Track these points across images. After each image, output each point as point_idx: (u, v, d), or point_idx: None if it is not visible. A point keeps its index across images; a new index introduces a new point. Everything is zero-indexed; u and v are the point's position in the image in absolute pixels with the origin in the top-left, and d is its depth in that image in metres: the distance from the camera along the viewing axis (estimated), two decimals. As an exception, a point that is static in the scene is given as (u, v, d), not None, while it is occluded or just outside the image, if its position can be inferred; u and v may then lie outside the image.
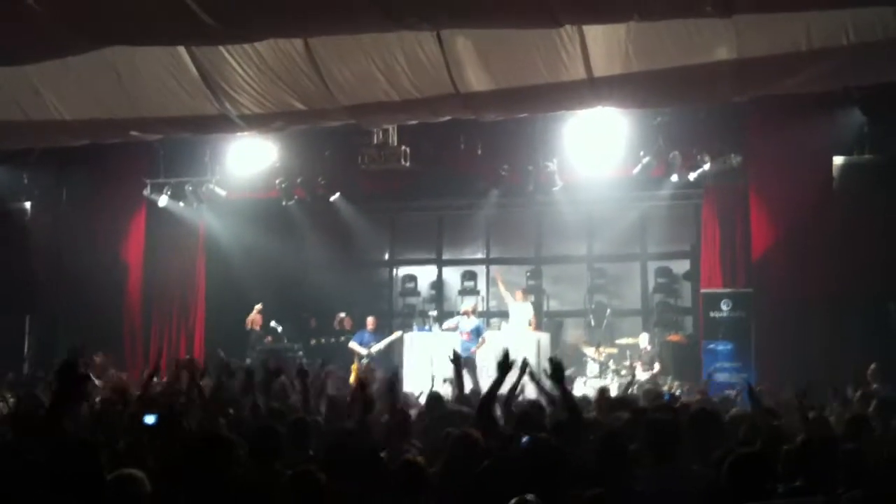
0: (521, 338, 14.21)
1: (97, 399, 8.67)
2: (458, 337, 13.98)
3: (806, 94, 10.18)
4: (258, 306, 15.51)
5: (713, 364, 13.52)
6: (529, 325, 14.92)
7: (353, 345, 14.95)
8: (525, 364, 6.13)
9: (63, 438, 4.54)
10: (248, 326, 15.48)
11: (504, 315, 15.84)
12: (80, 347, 11.90)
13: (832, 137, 13.08)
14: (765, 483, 4.30)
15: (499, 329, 15.12)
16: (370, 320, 15.22)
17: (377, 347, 14.83)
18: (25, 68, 9.29)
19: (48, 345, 15.78)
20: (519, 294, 15.40)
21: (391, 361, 14.51)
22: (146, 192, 15.70)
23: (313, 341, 15.93)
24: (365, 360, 14.42)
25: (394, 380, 7.67)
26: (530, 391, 8.54)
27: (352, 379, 13.25)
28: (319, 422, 6.47)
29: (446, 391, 9.24)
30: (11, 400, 8.96)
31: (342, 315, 15.83)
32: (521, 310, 15.10)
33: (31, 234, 16.20)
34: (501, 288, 15.55)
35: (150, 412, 5.80)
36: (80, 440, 4.58)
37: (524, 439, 5.17)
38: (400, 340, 15.13)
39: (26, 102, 10.32)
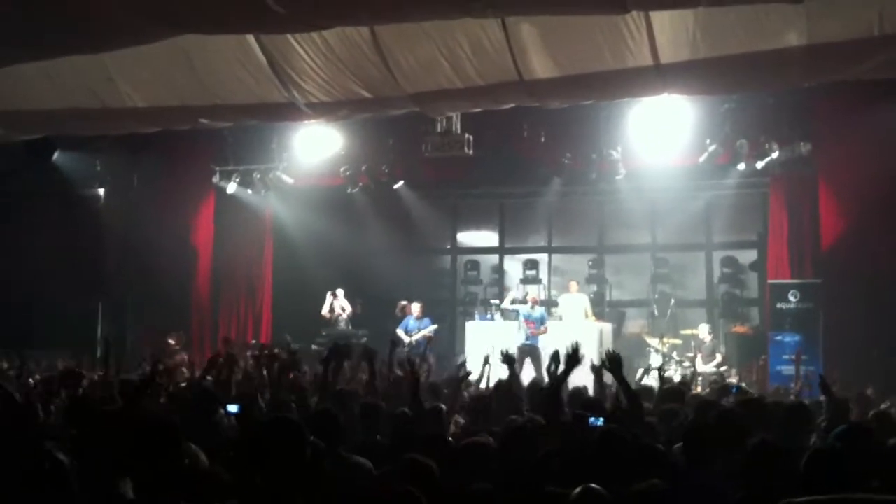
0: (583, 328, 14.17)
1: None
2: (522, 326, 14.00)
3: (877, 80, 9.96)
4: (340, 291, 15.59)
5: (780, 356, 13.31)
6: (587, 315, 14.85)
7: (399, 332, 15.00)
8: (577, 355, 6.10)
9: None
10: (330, 313, 15.56)
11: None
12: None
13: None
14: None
15: (560, 320, 15.07)
16: (416, 307, 15.11)
17: (417, 336, 14.85)
18: (100, 56, 9.51)
19: (119, 329, 16.16)
20: (573, 286, 15.32)
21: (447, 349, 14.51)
22: (215, 178, 16.00)
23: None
24: (405, 349, 14.43)
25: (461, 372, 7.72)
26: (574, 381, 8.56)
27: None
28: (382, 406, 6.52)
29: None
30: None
31: (403, 303, 15.90)
32: (575, 301, 15.03)
33: (104, 219, 16.66)
34: (510, 308, 15.04)
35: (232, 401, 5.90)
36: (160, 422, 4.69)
37: (592, 419, 5.21)
38: (440, 333, 15.17)
39: (101, 90, 10.57)
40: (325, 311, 15.44)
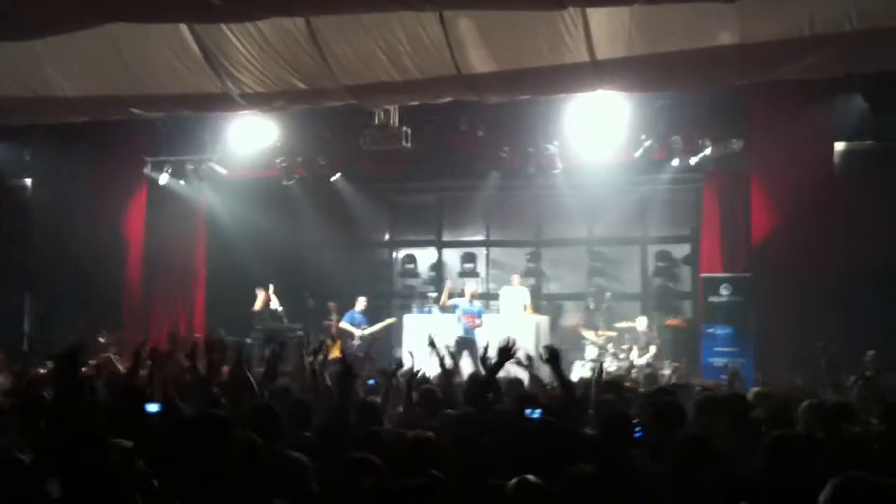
0: (519, 321, 14.27)
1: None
2: (461, 320, 14.04)
3: (808, 79, 10.18)
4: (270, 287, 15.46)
5: (712, 348, 13.55)
6: (525, 309, 14.95)
7: (343, 324, 14.96)
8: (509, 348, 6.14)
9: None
10: (259, 307, 15.40)
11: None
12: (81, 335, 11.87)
13: (834, 123, 13.10)
14: None
15: (497, 312, 15.14)
16: (361, 300, 15.19)
17: (370, 330, 14.84)
18: (32, 44, 9.29)
19: (48, 322, 15.80)
20: (515, 278, 15.41)
21: (385, 344, 14.53)
22: (147, 170, 15.69)
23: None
24: (357, 342, 14.43)
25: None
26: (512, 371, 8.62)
27: (333, 355, 13.26)
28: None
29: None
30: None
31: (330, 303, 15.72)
32: (516, 294, 15.12)
33: (32, 210, 16.26)
34: (448, 302, 15.00)
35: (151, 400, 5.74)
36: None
37: (529, 412, 5.24)
38: (391, 326, 15.25)
39: (31, 78, 10.34)
40: (256, 306, 15.25)
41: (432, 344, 8.04)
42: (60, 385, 4.81)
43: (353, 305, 15.29)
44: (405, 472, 4.34)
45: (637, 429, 5.28)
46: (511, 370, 8.40)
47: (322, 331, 14.43)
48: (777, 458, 4.20)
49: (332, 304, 15.18)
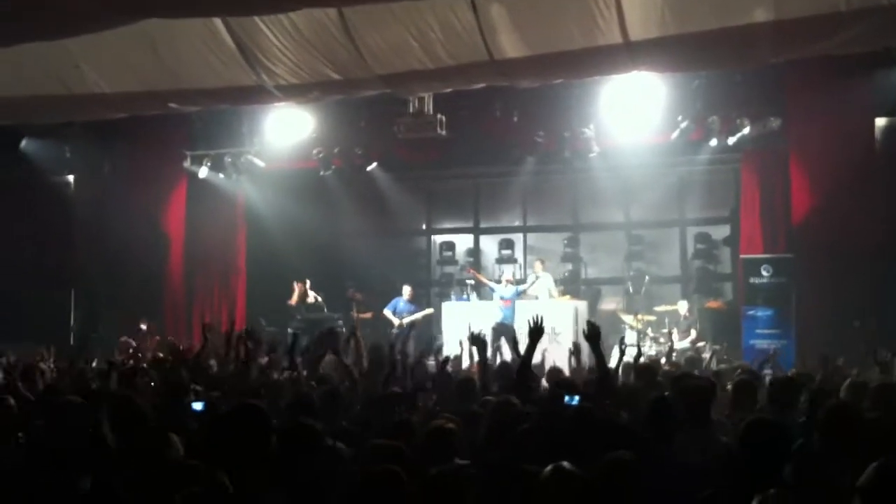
0: (558, 306, 14.25)
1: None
2: (499, 304, 14.05)
3: (846, 55, 10.01)
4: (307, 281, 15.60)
5: (753, 330, 13.42)
6: (550, 295, 14.90)
7: (386, 312, 15.09)
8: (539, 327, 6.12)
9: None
10: (295, 301, 15.56)
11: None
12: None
13: (873, 99, 12.90)
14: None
15: (536, 298, 15.12)
16: (407, 289, 15.29)
17: (409, 319, 14.91)
18: (65, 42, 9.40)
19: (92, 317, 16.04)
20: (538, 265, 15.35)
21: (427, 333, 14.60)
22: (186, 163, 15.86)
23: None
24: (395, 331, 14.52)
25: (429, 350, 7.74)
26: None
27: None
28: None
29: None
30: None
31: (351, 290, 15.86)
32: (541, 281, 15.04)
33: (74, 207, 16.49)
34: (482, 278, 15.42)
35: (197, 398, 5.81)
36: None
37: (568, 399, 5.24)
38: (430, 317, 15.36)
39: (67, 76, 10.46)
40: (292, 300, 15.38)
41: (474, 338, 8.04)
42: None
43: (389, 295, 15.40)
44: (429, 460, 4.37)
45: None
46: (551, 358, 8.45)
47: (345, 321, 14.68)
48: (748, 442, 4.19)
49: (353, 294, 15.32)
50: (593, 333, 6.01)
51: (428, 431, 4.79)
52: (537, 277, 14.92)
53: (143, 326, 14.27)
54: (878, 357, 7.91)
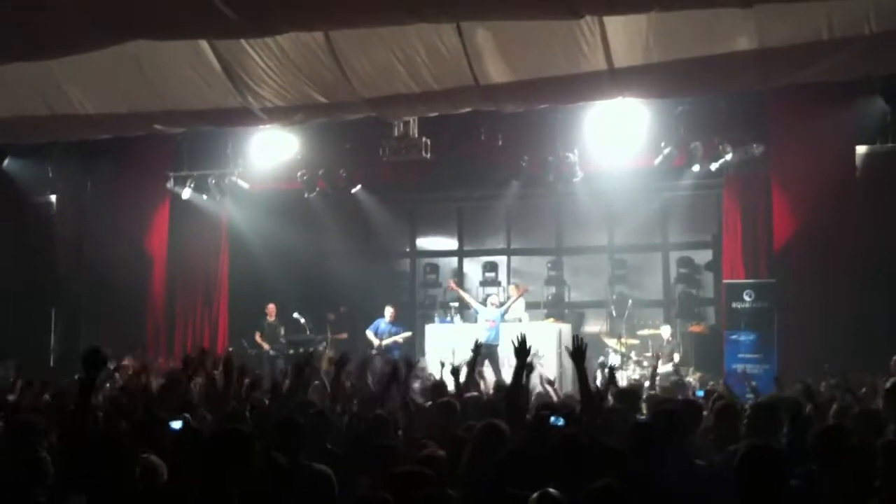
0: (542, 329, 14.26)
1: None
2: (483, 325, 14.05)
3: (828, 82, 10.13)
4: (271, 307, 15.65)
5: (735, 355, 13.47)
6: (520, 321, 14.87)
7: (368, 333, 15.09)
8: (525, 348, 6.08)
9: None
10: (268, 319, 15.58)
11: (529, 306, 15.80)
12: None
13: (855, 126, 13.03)
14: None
15: (520, 321, 15.12)
16: (389, 310, 15.29)
17: (388, 341, 14.91)
18: (48, 63, 9.37)
19: (73, 337, 15.93)
20: (513, 289, 15.34)
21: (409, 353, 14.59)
22: (170, 184, 15.84)
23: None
24: (374, 352, 14.50)
25: (399, 366, 7.68)
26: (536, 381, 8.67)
27: (325, 365, 13.39)
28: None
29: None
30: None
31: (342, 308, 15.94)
32: (515, 305, 14.97)
33: (56, 226, 16.37)
34: (465, 295, 15.39)
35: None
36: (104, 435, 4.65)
37: (554, 419, 5.23)
38: (410, 339, 15.40)
39: (50, 96, 10.43)
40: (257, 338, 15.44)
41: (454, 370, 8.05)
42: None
43: (373, 317, 15.41)
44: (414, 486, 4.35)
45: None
46: (534, 381, 8.43)
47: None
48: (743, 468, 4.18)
49: (329, 315, 15.32)
50: (578, 351, 5.95)
51: (417, 460, 4.75)
52: (511, 298, 14.88)
53: (126, 362, 13.86)
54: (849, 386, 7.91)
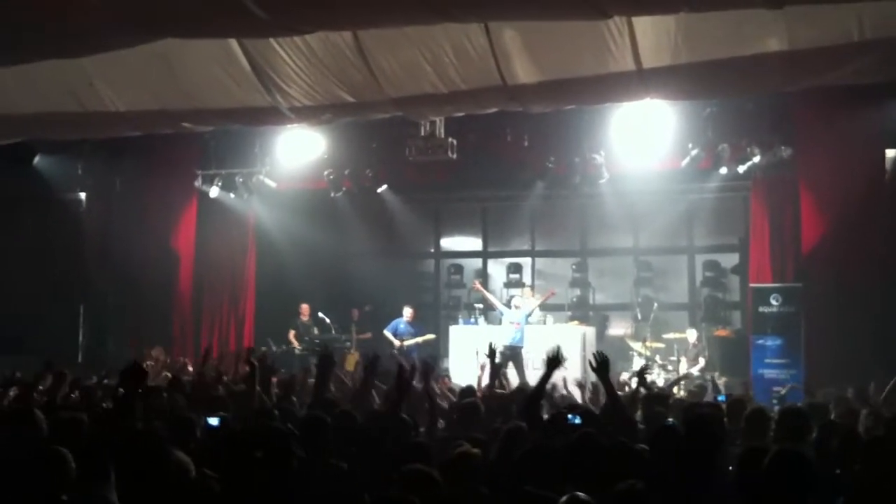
0: (566, 331, 14.24)
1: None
2: (509, 327, 14.02)
3: (857, 84, 10.04)
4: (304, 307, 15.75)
5: (762, 360, 13.36)
6: (544, 323, 14.94)
7: (386, 332, 15.13)
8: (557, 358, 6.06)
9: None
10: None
11: (548, 308, 15.74)
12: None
13: (884, 129, 12.90)
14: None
15: (544, 323, 15.09)
16: (408, 311, 15.31)
17: (410, 342, 14.93)
18: (80, 60, 9.46)
19: (101, 333, 16.08)
20: (528, 291, 15.29)
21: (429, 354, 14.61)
22: (197, 183, 15.91)
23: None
24: (395, 352, 14.54)
25: (426, 368, 7.69)
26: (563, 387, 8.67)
27: (350, 367, 13.48)
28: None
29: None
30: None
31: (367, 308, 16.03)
32: (527, 305, 14.96)
33: (85, 224, 16.55)
34: (490, 296, 15.32)
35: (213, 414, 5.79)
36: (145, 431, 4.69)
37: (571, 417, 5.22)
38: (431, 341, 15.43)
39: (81, 94, 10.53)
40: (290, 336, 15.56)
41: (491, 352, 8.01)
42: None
43: (396, 317, 15.43)
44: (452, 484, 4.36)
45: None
46: (558, 384, 8.44)
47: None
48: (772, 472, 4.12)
49: (354, 311, 15.40)
50: (602, 365, 5.96)
51: (453, 457, 4.75)
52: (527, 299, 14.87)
53: (153, 354, 13.96)
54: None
